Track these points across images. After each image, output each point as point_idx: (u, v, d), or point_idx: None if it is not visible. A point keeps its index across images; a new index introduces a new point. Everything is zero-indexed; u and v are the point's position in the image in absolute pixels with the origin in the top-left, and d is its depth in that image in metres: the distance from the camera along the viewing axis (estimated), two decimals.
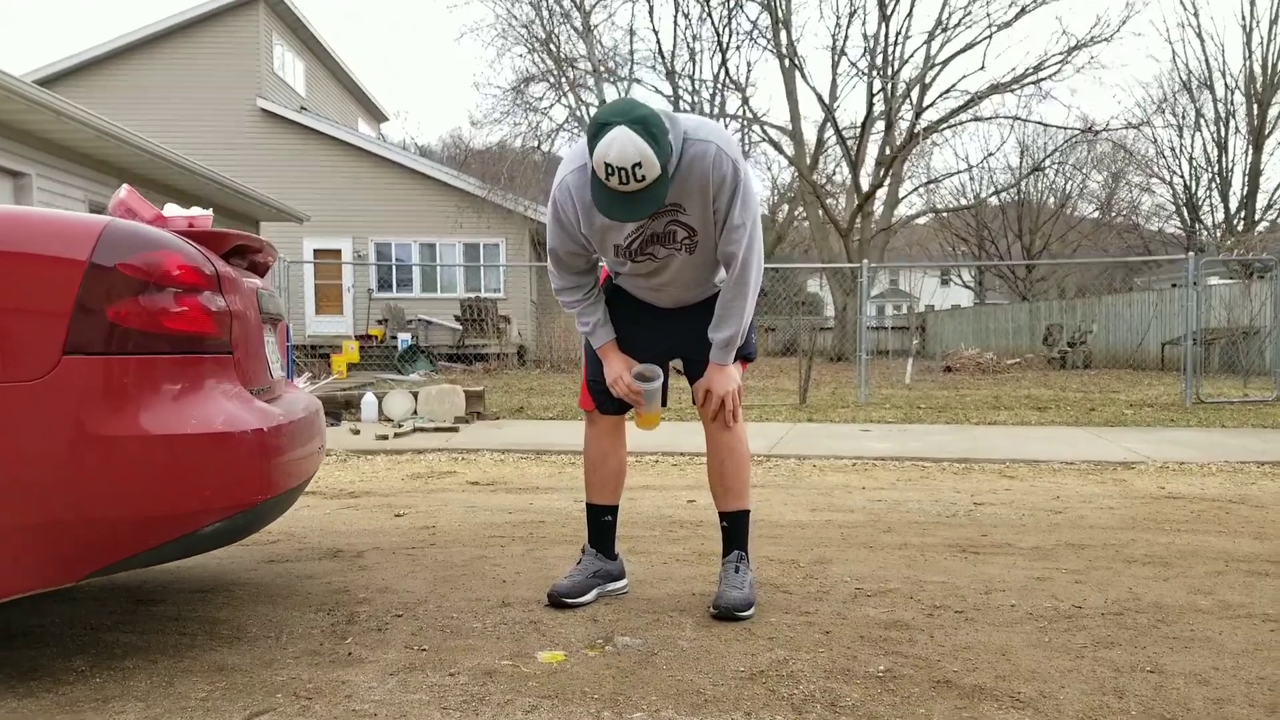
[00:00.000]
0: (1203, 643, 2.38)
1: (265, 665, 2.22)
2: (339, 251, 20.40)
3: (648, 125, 2.23)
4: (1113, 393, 11.85)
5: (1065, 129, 26.01)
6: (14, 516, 1.94)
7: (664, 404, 2.77)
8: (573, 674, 2.17)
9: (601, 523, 2.83)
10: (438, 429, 7.83)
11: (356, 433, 7.59)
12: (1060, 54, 20.86)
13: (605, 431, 2.80)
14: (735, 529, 2.74)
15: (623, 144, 2.20)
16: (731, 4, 21.92)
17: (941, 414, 8.97)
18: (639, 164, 2.21)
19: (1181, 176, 29.39)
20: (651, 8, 41.34)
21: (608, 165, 2.22)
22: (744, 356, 2.72)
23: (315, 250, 20.16)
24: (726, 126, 16.60)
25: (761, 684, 2.10)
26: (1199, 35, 24.09)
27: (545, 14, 21.65)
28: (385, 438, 7.24)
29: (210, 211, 2.48)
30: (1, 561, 1.94)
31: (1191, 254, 10.71)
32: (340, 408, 8.67)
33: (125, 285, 2.06)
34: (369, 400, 8.59)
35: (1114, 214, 35.90)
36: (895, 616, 2.61)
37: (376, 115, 30.24)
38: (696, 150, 2.41)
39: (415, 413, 8.51)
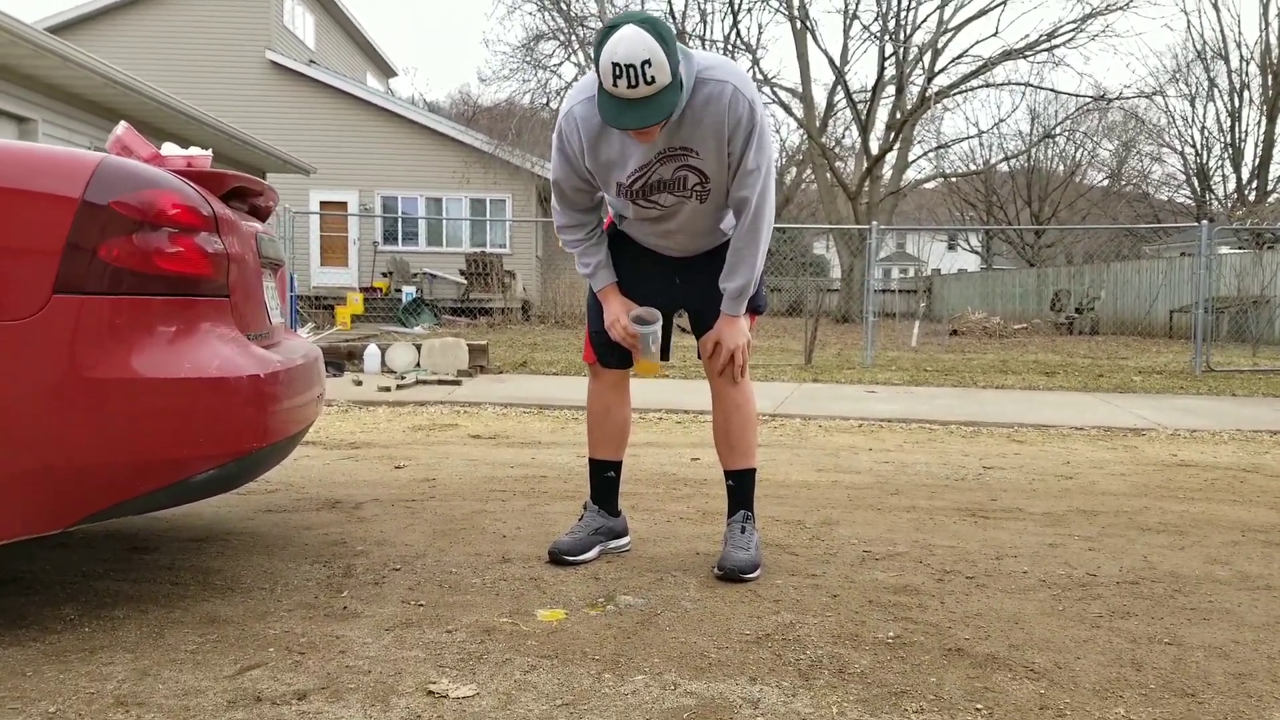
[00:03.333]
0: (1222, 614, 2.32)
1: (258, 618, 2.17)
2: (345, 204, 20.28)
3: (656, 26, 2.12)
4: (1121, 359, 11.75)
5: (1077, 96, 25.65)
6: (2, 460, 1.87)
7: (666, 356, 2.69)
8: (573, 633, 2.11)
9: (604, 479, 2.76)
10: (440, 381, 7.77)
11: (359, 384, 7.54)
12: (1075, 21, 20.43)
13: (609, 385, 2.73)
14: (741, 488, 2.67)
15: (631, 40, 2.09)
16: None
17: (948, 377, 8.89)
18: (648, 61, 2.08)
19: (1193, 146, 29.07)
20: None
21: (615, 65, 2.09)
22: (754, 309, 2.63)
23: (321, 202, 20.04)
24: None
25: (767, 648, 2.05)
26: (1215, 6, 23.50)
27: None
28: (388, 389, 7.18)
29: (209, 152, 2.39)
30: None
31: (1205, 222, 10.54)
32: (343, 358, 8.60)
33: (119, 224, 1.98)
34: (372, 351, 8.53)
35: (1124, 183, 35.52)
36: (904, 581, 2.55)
37: (385, 70, 29.91)
38: (712, 90, 2.30)
39: (418, 365, 8.45)
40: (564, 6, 21.30)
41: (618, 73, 2.10)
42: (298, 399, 2.40)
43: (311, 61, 21.45)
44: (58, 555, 2.66)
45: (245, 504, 3.37)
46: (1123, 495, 3.82)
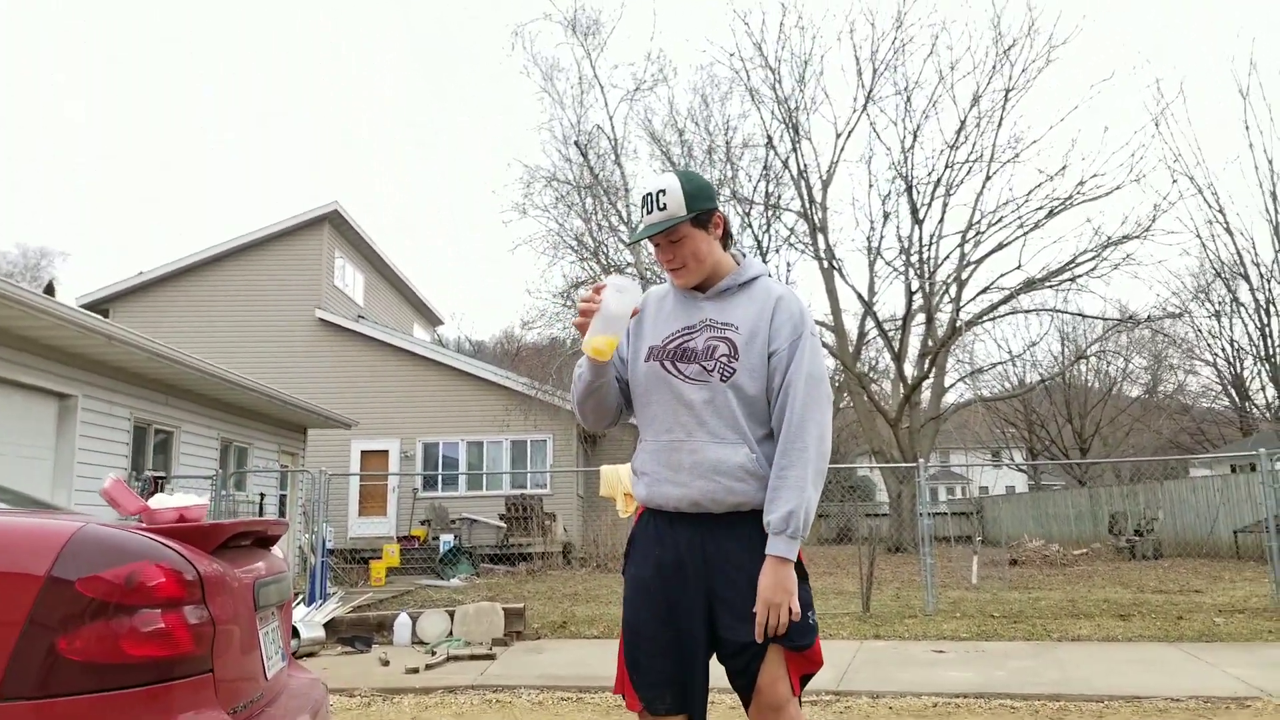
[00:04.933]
0: None
1: None
2: (386, 453, 20.40)
3: (688, 174, 2.44)
4: (1195, 592, 11.01)
5: (1104, 319, 25.90)
6: None
7: (703, 712, 2.31)
8: None
9: None
10: (473, 656, 7.31)
11: (385, 663, 7.09)
12: (1093, 251, 20.90)
13: None
14: None
15: (659, 178, 2.43)
16: (769, 216, 22.63)
17: (1017, 625, 8.26)
18: (663, 190, 2.38)
19: (1225, 359, 28.98)
20: None
21: (644, 195, 2.43)
22: (797, 648, 2.27)
23: (363, 451, 20.19)
24: None
25: None
26: (1227, 230, 24.12)
27: (595, 227, 22.47)
28: (415, 670, 6.72)
29: (205, 500, 2.20)
30: None
31: (1263, 450, 10.03)
32: (372, 630, 8.21)
33: (84, 607, 1.74)
34: (402, 622, 8.13)
35: (1161, 395, 35.32)
36: None
37: (432, 319, 31.15)
38: (773, 286, 2.46)
39: (450, 634, 8.01)
40: (601, 259, 22.29)
41: (643, 202, 2.43)
42: None
43: (360, 316, 22.35)
44: None
45: None
46: None
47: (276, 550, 2.75)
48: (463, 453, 20.79)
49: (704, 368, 2.34)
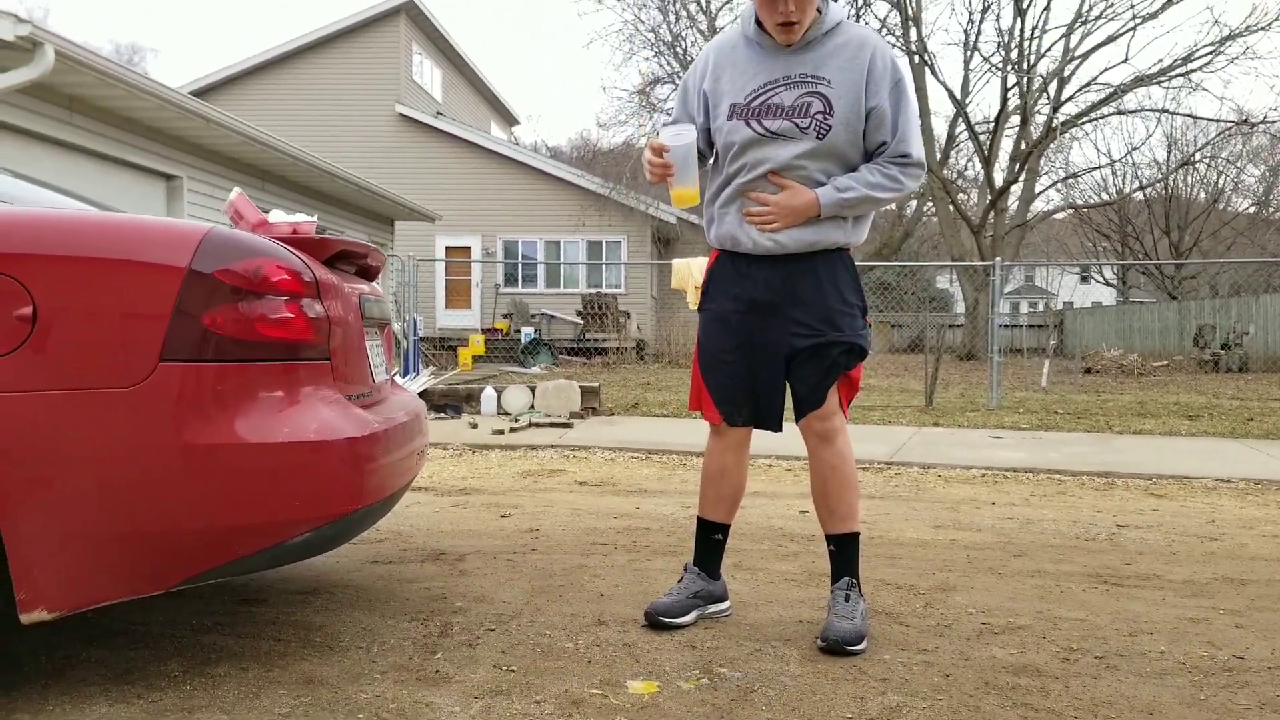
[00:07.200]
0: None
1: (352, 679, 2.17)
2: (469, 248, 20.94)
3: None
4: (1273, 400, 10.88)
5: (1217, 121, 24.19)
6: (106, 524, 1.94)
7: (779, 424, 2.56)
8: (664, 709, 2.03)
9: (710, 541, 2.67)
10: (553, 424, 7.84)
11: (474, 426, 7.67)
12: (1211, 44, 19.31)
13: (731, 446, 2.62)
14: (843, 554, 2.54)
15: None
16: (859, 5, 21.26)
17: (1080, 421, 8.41)
18: None
19: None
20: None
21: None
22: (859, 351, 2.47)
23: (446, 247, 20.74)
24: None
25: None
26: None
27: (672, 18, 21.55)
28: (501, 432, 7.28)
29: (315, 218, 2.45)
30: (91, 569, 1.95)
31: None
32: (461, 401, 8.80)
33: (223, 292, 2.04)
34: (488, 394, 8.69)
35: (1273, 209, 33.26)
36: (1026, 660, 2.36)
37: (508, 119, 30.86)
38: (859, 32, 2.41)
39: (532, 407, 8.56)
40: (678, 52, 21.56)
41: None
42: (396, 458, 2.42)
43: (439, 113, 22.32)
44: (171, 606, 2.74)
45: (354, 554, 3.43)
46: (1275, 561, 3.49)
47: (376, 284, 3.04)
48: (540, 251, 21.19)
49: (796, 125, 2.37)
